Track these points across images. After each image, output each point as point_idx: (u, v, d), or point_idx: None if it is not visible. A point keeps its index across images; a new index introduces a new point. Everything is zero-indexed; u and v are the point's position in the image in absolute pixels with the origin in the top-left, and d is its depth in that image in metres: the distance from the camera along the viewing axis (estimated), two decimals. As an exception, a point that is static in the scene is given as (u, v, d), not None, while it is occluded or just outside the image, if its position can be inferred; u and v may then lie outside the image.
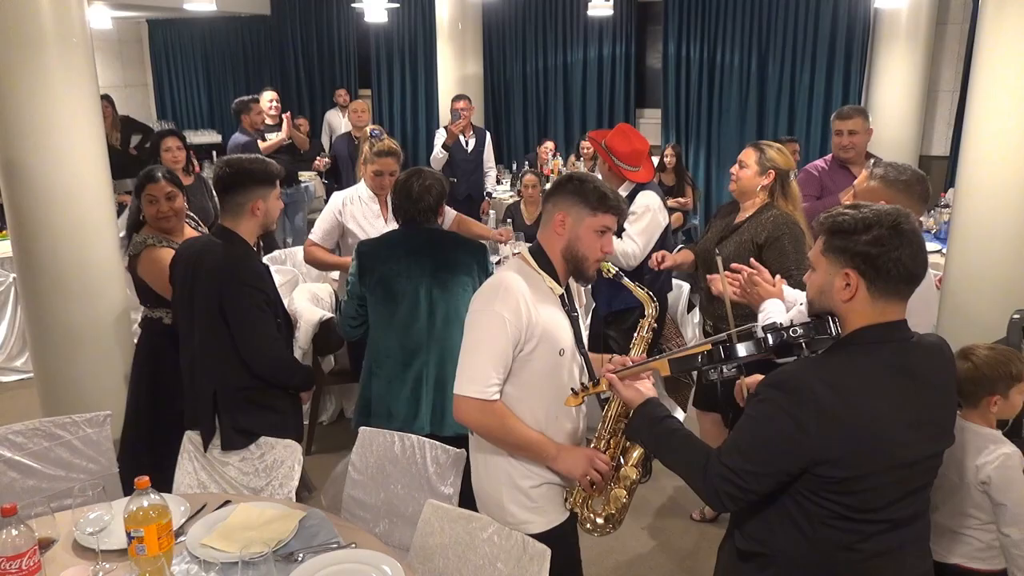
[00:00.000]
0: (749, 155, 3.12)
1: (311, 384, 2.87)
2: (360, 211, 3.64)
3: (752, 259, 2.53)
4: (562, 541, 2.14)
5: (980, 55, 3.71)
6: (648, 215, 3.54)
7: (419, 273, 2.86)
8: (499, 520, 2.10)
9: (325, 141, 8.41)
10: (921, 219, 5.15)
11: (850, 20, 7.62)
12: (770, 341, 1.71)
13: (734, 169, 3.16)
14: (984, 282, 3.74)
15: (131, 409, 3.29)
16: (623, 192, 3.57)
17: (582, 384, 2.03)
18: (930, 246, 5.26)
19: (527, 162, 7.69)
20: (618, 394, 1.92)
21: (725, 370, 1.80)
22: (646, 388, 1.91)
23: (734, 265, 2.44)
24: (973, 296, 3.78)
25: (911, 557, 1.70)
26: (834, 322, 1.65)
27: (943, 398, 1.68)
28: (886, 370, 1.60)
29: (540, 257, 2.13)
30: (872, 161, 2.50)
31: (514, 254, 3.65)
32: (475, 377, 2.00)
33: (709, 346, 1.80)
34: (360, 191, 3.73)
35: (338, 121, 8.22)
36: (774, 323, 1.76)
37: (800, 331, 1.67)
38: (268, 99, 6.71)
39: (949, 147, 7.51)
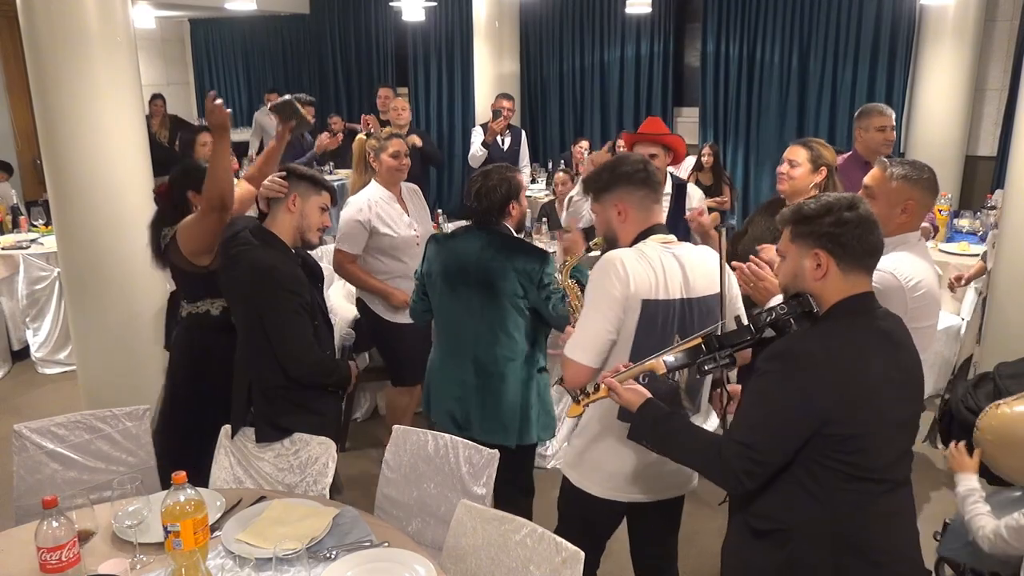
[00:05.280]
0: (799, 153, 3.04)
1: (347, 382, 2.85)
2: (386, 212, 3.58)
3: (760, 250, 2.55)
4: None
5: (1032, 53, 3.60)
6: None
7: (475, 279, 2.81)
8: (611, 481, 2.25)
9: (255, 144, 8.43)
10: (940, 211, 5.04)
11: (895, 16, 7.46)
12: (758, 323, 1.82)
13: (784, 168, 3.07)
14: (1035, 289, 3.62)
15: (171, 406, 3.15)
16: (668, 185, 3.58)
17: (583, 391, 2.04)
18: (977, 248, 5.13)
19: (562, 161, 7.67)
20: (619, 398, 1.95)
21: (719, 358, 1.87)
22: (643, 390, 1.94)
23: (734, 264, 2.48)
24: (1022, 304, 3.67)
25: (911, 520, 1.82)
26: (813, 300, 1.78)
27: (916, 362, 1.81)
28: (868, 334, 1.73)
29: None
30: (886, 160, 2.48)
31: (551, 252, 3.61)
32: None
33: (699, 340, 1.89)
34: (376, 193, 3.61)
35: (270, 123, 8.15)
36: (760, 309, 1.85)
37: (786, 308, 1.79)
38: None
39: (996, 147, 7.33)
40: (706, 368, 1.89)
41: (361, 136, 3.78)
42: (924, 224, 3.80)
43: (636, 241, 2.22)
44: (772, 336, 1.82)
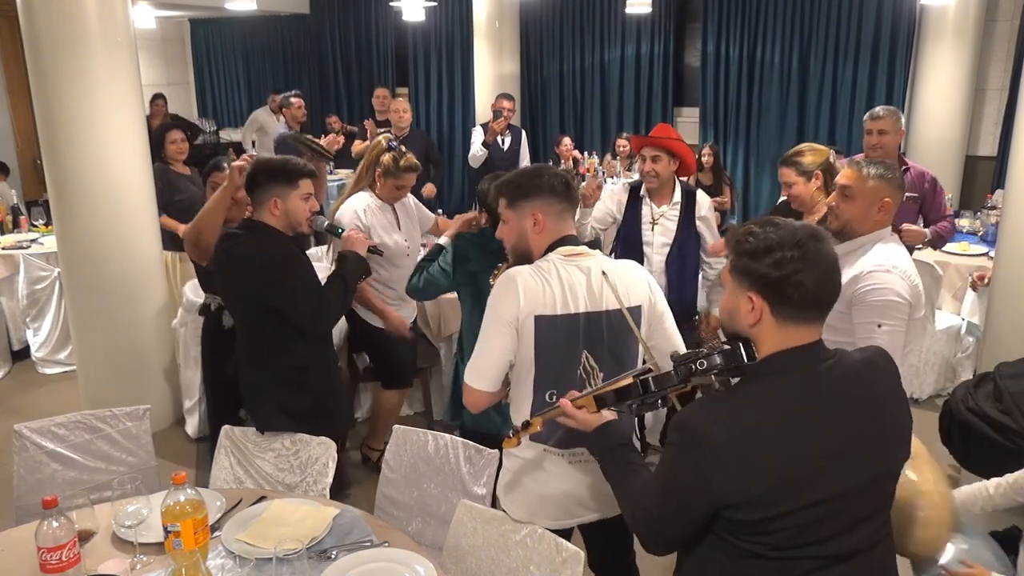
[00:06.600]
0: (787, 174, 3.13)
1: (366, 266, 2.87)
2: (379, 221, 3.53)
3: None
4: None
5: (1032, 53, 3.60)
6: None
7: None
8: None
9: (247, 140, 8.45)
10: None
11: (895, 16, 7.46)
12: (679, 375, 1.67)
13: (785, 192, 3.18)
14: (1035, 287, 3.62)
15: (212, 405, 3.33)
16: (677, 193, 3.57)
17: (514, 428, 1.99)
18: (977, 248, 5.13)
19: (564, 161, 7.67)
20: (576, 420, 1.86)
21: (645, 403, 1.77)
22: (605, 415, 1.87)
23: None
24: (1022, 304, 3.66)
25: None
26: (746, 348, 1.57)
27: (877, 418, 1.55)
28: (797, 399, 1.51)
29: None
30: (859, 160, 2.52)
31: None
32: None
33: (630, 380, 1.78)
34: (368, 201, 3.54)
35: (270, 121, 8.10)
36: (687, 353, 1.69)
37: (706, 364, 1.61)
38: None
39: (997, 147, 7.33)
40: (634, 408, 1.80)
41: (383, 143, 3.56)
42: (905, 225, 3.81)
43: (546, 253, 2.13)
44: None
